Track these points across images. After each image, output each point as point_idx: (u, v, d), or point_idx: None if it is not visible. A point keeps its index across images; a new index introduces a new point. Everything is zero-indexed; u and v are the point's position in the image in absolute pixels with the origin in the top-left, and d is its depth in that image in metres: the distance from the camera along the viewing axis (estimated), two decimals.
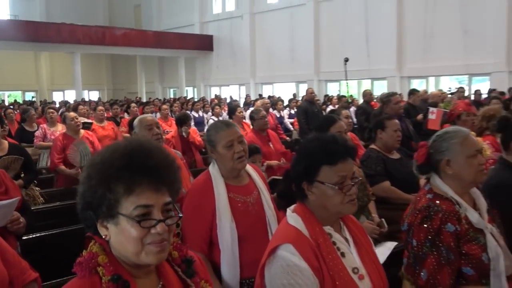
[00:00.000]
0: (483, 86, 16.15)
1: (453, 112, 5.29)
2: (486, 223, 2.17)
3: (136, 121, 4.43)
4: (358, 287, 1.73)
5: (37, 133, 6.97)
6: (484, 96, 12.07)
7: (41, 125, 7.27)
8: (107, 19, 31.97)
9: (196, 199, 2.62)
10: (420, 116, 7.91)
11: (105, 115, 8.66)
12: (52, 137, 6.59)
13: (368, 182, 3.75)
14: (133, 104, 10.83)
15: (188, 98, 21.30)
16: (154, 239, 1.16)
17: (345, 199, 1.75)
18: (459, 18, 17.40)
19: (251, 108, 11.62)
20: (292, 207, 1.89)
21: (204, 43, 27.21)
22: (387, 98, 6.27)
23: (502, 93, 11.07)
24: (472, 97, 12.07)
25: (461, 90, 11.85)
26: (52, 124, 7.04)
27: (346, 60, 10.53)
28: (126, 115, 10.52)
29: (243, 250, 2.55)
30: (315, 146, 1.84)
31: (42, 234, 3.69)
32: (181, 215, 1.25)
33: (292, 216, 1.82)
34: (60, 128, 6.88)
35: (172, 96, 25.71)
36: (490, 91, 12.91)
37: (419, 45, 18.96)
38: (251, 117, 6.03)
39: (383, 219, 3.45)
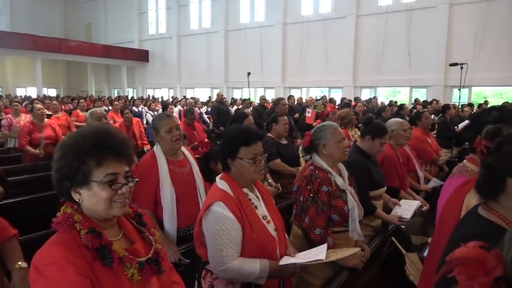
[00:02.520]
0: (338, 95, 17.28)
1: (324, 112, 5.59)
2: (347, 186, 2.33)
3: (87, 114, 4.19)
4: (267, 228, 1.81)
5: (3, 122, 6.32)
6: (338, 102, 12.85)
7: (7, 115, 6.56)
8: (63, 32, 29.18)
9: (145, 170, 2.55)
10: (297, 115, 8.27)
11: (60, 108, 8.01)
12: (18, 125, 6.00)
13: (266, 159, 3.90)
14: (81, 100, 10.06)
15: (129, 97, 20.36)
16: (120, 197, 1.19)
17: (257, 169, 1.83)
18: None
19: (178, 106, 11.35)
20: (220, 175, 1.91)
21: (141, 56, 25.88)
22: (277, 101, 6.42)
23: (350, 101, 11.86)
24: (338, 102, 12.79)
25: (324, 97, 12.50)
26: (17, 114, 6.35)
27: (249, 73, 10.61)
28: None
29: (179, 207, 2.54)
30: (236, 133, 1.88)
31: (16, 200, 3.41)
32: (137, 179, 1.25)
33: (221, 182, 1.85)
34: (23, 118, 6.24)
35: (116, 95, 24.25)
36: (342, 99, 13.79)
37: (295, 66, 19.81)
38: (185, 114, 6.02)
39: (278, 184, 3.61)
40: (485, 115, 1.72)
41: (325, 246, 1.83)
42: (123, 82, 25.62)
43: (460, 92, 5.69)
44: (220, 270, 1.71)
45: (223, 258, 1.68)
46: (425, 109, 6.52)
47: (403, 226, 2.78)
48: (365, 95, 17.86)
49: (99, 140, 1.19)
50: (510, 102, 12.38)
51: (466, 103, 10.73)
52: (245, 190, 1.87)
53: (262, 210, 1.87)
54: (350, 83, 18.08)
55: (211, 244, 1.73)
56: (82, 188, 1.17)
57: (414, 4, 16.65)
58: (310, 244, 2.20)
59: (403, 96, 17.93)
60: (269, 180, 3.68)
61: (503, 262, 0.55)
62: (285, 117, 4.40)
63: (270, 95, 19.22)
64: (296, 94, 17.48)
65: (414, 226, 3.39)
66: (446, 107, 6.54)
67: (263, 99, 10.42)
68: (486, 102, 12.86)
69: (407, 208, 2.91)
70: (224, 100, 11.00)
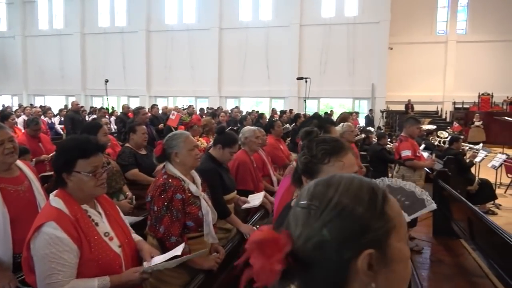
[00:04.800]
0: (204, 105, 17.61)
1: (189, 123, 5.62)
2: (200, 192, 2.40)
3: None
4: (109, 245, 1.73)
5: None
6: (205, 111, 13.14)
7: None
8: None
9: None
10: (161, 125, 8.14)
11: None
12: None
13: (123, 170, 3.75)
14: None
15: None
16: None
17: (97, 183, 1.74)
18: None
19: (23, 116, 9.99)
20: (54, 192, 1.76)
21: None
22: (137, 111, 6.21)
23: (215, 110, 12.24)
24: (198, 112, 13.00)
25: (191, 107, 12.58)
26: None
27: (106, 81, 9.98)
28: None
29: (16, 229, 2.24)
30: (72, 144, 1.77)
31: None
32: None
33: (54, 200, 1.70)
34: None
35: None
36: (209, 108, 14.15)
37: (161, 75, 19.52)
38: (27, 124, 5.30)
39: (133, 196, 3.49)
40: (307, 122, 2.03)
41: (182, 245, 1.85)
42: None
43: (305, 103, 6.46)
44: None
45: (52, 285, 1.55)
46: (278, 119, 7.17)
47: (257, 226, 3.01)
48: (230, 105, 18.65)
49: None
50: (348, 111, 14.63)
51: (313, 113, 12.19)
52: (85, 206, 1.76)
53: (104, 226, 1.78)
54: (216, 93, 18.68)
55: (39, 270, 1.58)
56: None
57: (271, 22, 18.23)
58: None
59: (265, 106, 19.32)
60: (127, 193, 3.54)
61: (291, 239, 0.63)
62: (144, 127, 4.31)
63: (135, 104, 18.40)
64: (162, 103, 17.22)
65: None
66: (297, 116, 7.36)
67: (126, 108, 9.93)
68: (331, 112, 14.82)
69: (255, 199, 3.19)
70: (82, 109, 10.12)
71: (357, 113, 15.08)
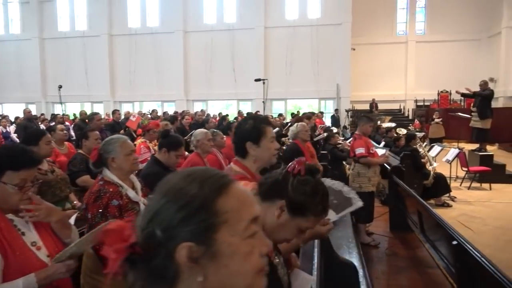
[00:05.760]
0: (171, 109, 17.40)
1: (147, 126, 5.53)
2: (140, 197, 2.34)
3: None
4: (36, 255, 1.67)
5: None
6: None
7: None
8: None
9: None
10: (122, 131, 7.97)
11: None
12: None
13: (74, 176, 3.64)
14: None
15: None
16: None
17: (22, 197, 1.66)
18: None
19: None
20: None
21: None
22: (92, 117, 6.06)
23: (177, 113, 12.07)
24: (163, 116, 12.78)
25: (155, 111, 12.33)
26: None
27: (60, 87, 9.65)
28: None
29: None
30: (3, 154, 1.68)
31: None
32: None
33: None
34: None
35: None
36: (175, 112, 13.97)
37: (125, 79, 19.12)
38: None
39: (81, 203, 3.38)
40: (244, 123, 2.03)
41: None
42: None
43: (264, 104, 6.50)
44: None
45: None
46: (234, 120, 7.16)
47: None
48: (198, 108, 18.51)
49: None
50: (316, 112, 14.88)
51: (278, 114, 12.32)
52: (10, 216, 1.69)
53: (31, 236, 1.71)
54: (182, 96, 18.48)
55: None
56: None
57: (236, 25, 18.24)
58: (102, 261, 2.13)
59: (234, 109, 19.29)
60: (74, 202, 3.42)
61: (136, 230, 0.65)
62: (97, 133, 4.20)
63: (99, 110, 17.93)
64: (128, 108, 16.90)
65: None
66: (223, 118, 7.38)
67: (84, 114, 9.63)
68: (298, 112, 14.98)
69: None
70: (43, 117, 9.74)
71: (321, 113, 15.35)
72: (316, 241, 2.42)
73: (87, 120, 9.13)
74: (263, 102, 6.35)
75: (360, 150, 4.74)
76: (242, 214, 0.65)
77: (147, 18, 19.08)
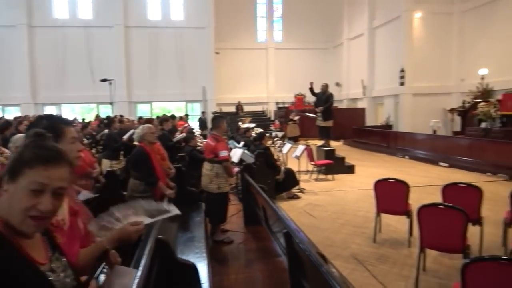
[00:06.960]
0: (16, 114, 15.09)
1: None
2: None
3: None
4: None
5: None
6: None
7: None
8: None
9: None
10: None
11: None
12: None
13: None
14: None
15: None
16: None
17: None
18: None
19: None
20: None
21: None
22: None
23: None
24: None
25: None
26: None
27: None
28: None
29: None
30: None
31: None
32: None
33: None
34: None
35: None
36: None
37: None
38: None
39: None
40: (38, 122, 1.80)
41: None
42: None
43: (111, 105, 6.09)
44: None
45: None
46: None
47: None
48: (50, 112, 16.53)
49: None
50: (187, 114, 14.78)
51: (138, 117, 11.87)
52: None
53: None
54: (29, 100, 16.22)
55: None
56: None
57: (92, 22, 16.86)
58: None
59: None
60: None
61: None
62: None
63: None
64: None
65: None
66: (111, 120, 6.88)
67: None
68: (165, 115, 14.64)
69: None
70: None
71: (186, 115, 15.37)
72: (148, 244, 2.32)
73: None
74: (110, 103, 5.91)
75: (224, 153, 4.79)
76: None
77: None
